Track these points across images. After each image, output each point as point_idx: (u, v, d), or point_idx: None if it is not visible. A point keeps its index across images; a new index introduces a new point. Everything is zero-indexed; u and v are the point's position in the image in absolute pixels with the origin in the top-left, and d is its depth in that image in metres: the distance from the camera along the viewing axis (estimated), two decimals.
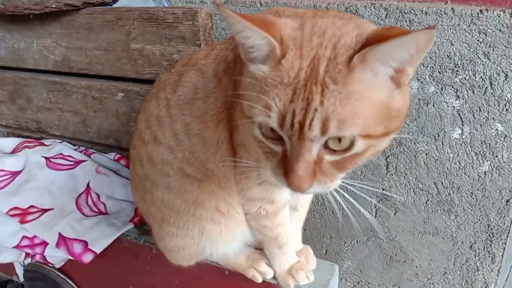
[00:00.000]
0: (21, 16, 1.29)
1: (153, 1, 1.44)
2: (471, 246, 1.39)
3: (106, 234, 1.19)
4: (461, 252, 1.41)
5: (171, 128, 0.86)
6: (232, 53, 0.79)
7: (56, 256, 1.23)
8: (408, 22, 1.21)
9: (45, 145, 1.45)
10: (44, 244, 1.20)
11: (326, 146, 0.57)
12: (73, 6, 1.28)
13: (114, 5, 1.36)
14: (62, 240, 1.18)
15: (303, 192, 0.59)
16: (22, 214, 1.22)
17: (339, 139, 0.56)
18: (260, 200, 0.86)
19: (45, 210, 1.24)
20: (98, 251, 1.16)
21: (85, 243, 1.18)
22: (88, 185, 1.30)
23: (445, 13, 1.16)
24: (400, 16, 1.21)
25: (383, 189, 1.44)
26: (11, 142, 1.51)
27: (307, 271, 0.98)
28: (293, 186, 0.58)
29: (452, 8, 1.15)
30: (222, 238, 0.91)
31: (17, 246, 1.17)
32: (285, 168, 0.58)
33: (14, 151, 1.44)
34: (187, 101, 0.84)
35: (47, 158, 1.34)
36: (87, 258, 1.16)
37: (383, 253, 1.54)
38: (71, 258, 1.18)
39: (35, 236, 1.20)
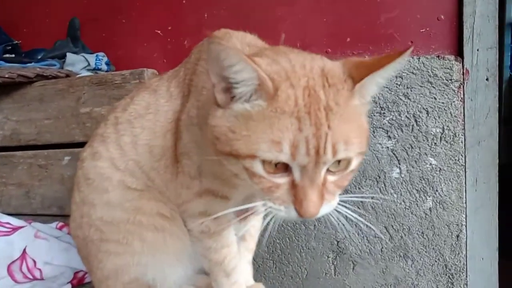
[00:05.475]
0: None
1: (86, 60, 1.55)
2: None
3: None
4: None
5: (116, 142, 0.88)
6: (183, 69, 0.88)
7: None
8: None
9: None
10: None
11: (327, 168, 0.60)
12: (26, 78, 1.36)
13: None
14: None
15: (314, 217, 0.60)
16: None
17: (338, 161, 0.60)
18: (201, 215, 0.84)
19: None
20: None
21: None
22: (24, 251, 1.20)
23: None
24: None
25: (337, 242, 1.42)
26: None
27: None
28: (307, 214, 0.59)
29: None
30: (167, 249, 0.86)
31: None
32: (297, 197, 0.59)
33: None
34: (138, 116, 0.88)
35: None
36: None
37: None
38: None
39: None
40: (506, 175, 1.39)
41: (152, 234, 0.85)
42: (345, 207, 0.67)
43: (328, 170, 0.60)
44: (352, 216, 0.68)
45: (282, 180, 0.60)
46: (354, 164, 0.62)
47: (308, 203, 0.58)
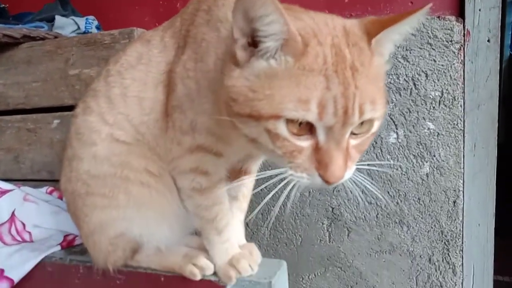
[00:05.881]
0: None
1: (76, 23, 1.50)
2: (429, 259, 1.33)
3: (27, 260, 1.05)
4: (421, 268, 1.34)
5: (106, 95, 0.84)
6: (179, 19, 0.83)
7: None
8: None
9: None
10: None
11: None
12: (12, 38, 1.31)
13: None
14: None
15: (339, 181, 0.57)
16: None
17: (361, 123, 0.57)
18: (193, 171, 0.81)
19: None
20: (16, 278, 1.01)
21: (1, 271, 1.03)
22: (13, 213, 1.18)
23: None
24: None
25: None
26: None
27: (250, 261, 0.89)
28: (332, 178, 0.56)
29: None
30: (153, 205, 0.84)
31: None
32: (321, 161, 0.56)
33: None
34: (129, 67, 0.84)
35: None
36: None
37: (343, 284, 1.43)
38: None
39: None
40: (503, 152, 1.36)
41: (138, 189, 0.82)
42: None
43: (351, 133, 0.58)
44: (367, 183, 0.66)
45: (305, 143, 0.57)
46: (376, 126, 0.60)
47: (334, 167, 0.56)
